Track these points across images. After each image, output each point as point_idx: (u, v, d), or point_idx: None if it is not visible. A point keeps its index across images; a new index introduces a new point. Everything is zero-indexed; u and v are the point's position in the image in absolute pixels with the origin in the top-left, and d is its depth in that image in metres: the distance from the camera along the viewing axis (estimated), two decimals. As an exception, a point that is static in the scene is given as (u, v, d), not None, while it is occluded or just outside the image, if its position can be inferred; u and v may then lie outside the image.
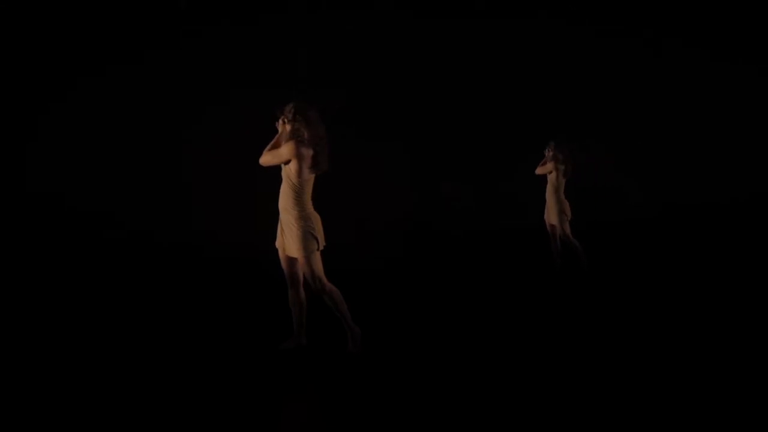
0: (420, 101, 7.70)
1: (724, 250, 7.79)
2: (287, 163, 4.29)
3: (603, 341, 4.76)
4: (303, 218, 4.32)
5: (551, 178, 7.08)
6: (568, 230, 7.06)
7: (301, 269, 4.41)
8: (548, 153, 7.07)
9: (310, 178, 4.33)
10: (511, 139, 8.01)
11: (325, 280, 4.40)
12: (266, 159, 4.37)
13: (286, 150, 4.29)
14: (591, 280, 6.71)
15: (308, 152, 4.28)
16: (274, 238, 4.48)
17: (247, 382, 4.15)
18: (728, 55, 7.57)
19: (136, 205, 7.51)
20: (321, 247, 4.38)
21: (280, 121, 4.38)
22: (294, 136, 4.30)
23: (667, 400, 3.79)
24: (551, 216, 7.12)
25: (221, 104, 7.05)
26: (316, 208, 4.39)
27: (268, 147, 4.37)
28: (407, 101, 7.66)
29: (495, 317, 5.36)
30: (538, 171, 7.15)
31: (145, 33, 7.32)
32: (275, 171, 4.42)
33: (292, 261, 4.48)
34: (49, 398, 3.93)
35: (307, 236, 4.32)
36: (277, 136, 4.38)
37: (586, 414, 3.69)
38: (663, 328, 4.98)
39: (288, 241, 4.36)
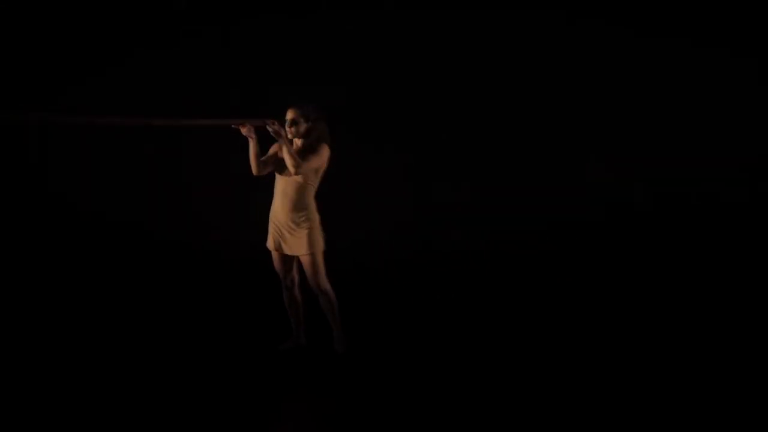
0: (420, 100, 7.67)
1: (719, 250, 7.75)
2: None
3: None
4: (312, 217, 4.32)
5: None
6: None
7: (305, 267, 4.39)
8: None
9: None
10: (511, 139, 7.97)
11: (327, 279, 4.41)
12: (303, 164, 4.21)
13: (325, 151, 4.30)
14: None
15: None
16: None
17: (247, 383, 4.15)
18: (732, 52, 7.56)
19: (134, 204, 7.49)
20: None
21: (299, 123, 4.28)
22: (322, 137, 4.31)
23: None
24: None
25: (220, 103, 7.03)
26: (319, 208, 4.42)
27: (290, 153, 4.17)
28: (406, 101, 7.64)
29: (496, 320, 5.36)
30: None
31: (143, 33, 7.31)
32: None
33: (288, 262, 4.48)
34: (46, 398, 3.93)
35: (317, 234, 4.33)
36: (281, 140, 4.24)
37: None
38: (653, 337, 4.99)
39: (292, 240, 4.33)
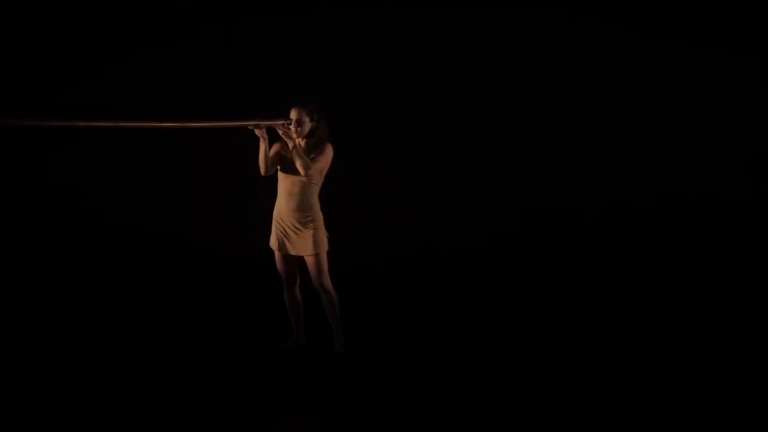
0: (420, 100, 7.66)
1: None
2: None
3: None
4: (317, 217, 4.33)
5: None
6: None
7: (310, 267, 4.39)
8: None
9: None
10: (511, 139, 7.95)
11: (330, 279, 4.41)
12: (313, 165, 4.23)
13: (329, 151, 4.32)
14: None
15: None
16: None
17: (247, 383, 4.15)
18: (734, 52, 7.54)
19: (134, 204, 7.49)
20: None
21: (304, 123, 4.27)
22: (324, 137, 4.32)
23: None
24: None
25: (220, 103, 7.02)
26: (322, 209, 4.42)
27: (299, 154, 4.19)
28: (406, 100, 7.62)
29: (495, 320, 5.36)
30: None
31: (143, 33, 7.30)
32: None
33: (291, 262, 4.47)
34: (47, 398, 3.93)
35: (322, 234, 4.34)
36: (286, 140, 4.25)
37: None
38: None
39: (297, 241, 4.33)
